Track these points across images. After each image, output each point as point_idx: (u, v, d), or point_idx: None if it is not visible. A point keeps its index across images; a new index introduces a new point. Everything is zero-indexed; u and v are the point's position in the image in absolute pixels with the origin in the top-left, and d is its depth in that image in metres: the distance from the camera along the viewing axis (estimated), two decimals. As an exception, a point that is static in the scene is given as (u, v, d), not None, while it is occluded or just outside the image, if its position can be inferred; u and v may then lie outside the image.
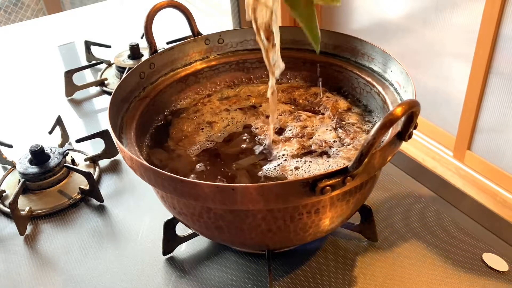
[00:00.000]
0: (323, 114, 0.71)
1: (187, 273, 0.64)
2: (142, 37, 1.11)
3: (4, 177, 0.81)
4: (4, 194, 0.78)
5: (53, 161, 0.78)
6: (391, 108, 0.59)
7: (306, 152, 0.63)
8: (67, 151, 0.81)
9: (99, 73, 1.10)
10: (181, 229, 0.67)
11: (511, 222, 0.68)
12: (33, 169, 0.77)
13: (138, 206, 0.76)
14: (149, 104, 0.69)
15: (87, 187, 0.77)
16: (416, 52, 1.88)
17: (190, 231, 0.67)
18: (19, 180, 0.76)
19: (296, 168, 0.61)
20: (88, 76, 1.12)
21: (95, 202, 0.77)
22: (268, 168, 0.61)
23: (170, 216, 0.64)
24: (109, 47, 1.17)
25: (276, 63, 0.60)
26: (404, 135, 0.51)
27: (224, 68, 0.78)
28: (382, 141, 0.58)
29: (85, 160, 0.84)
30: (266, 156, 0.64)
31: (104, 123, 0.96)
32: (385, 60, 0.67)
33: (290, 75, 0.78)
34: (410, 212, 0.70)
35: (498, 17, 1.50)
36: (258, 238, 0.55)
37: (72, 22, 1.44)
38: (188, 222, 0.58)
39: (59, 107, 1.01)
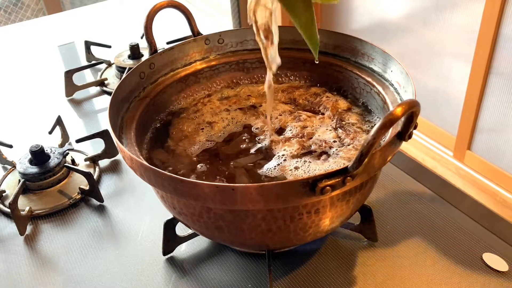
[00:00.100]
0: (323, 114, 0.71)
1: (187, 273, 0.64)
2: (142, 37, 1.11)
3: (4, 177, 0.81)
4: (4, 194, 0.78)
5: (53, 161, 0.78)
6: (391, 108, 0.59)
7: (306, 152, 0.63)
8: (67, 151, 0.81)
9: (99, 73, 1.10)
10: (181, 229, 0.67)
11: (511, 222, 0.68)
12: (33, 169, 0.77)
13: (138, 206, 0.76)
14: (149, 104, 0.69)
15: (87, 187, 0.77)
16: (416, 52, 1.88)
17: (190, 231, 0.67)
18: (19, 180, 0.76)
19: (296, 168, 0.61)
20: (88, 76, 1.12)
21: (95, 202, 0.77)
22: (268, 168, 0.61)
23: (170, 216, 0.64)
24: (109, 47, 1.17)
25: (273, 59, 0.61)
26: (404, 135, 0.51)
27: (224, 68, 0.78)
28: (382, 141, 0.58)
29: (85, 160, 0.84)
30: (265, 156, 0.64)
31: (104, 123, 0.96)
32: (385, 60, 0.67)
33: (290, 75, 0.78)
34: (410, 212, 0.70)
35: (498, 17, 1.50)
36: (258, 238, 0.55)
37: (72, 22, 1.44)
38: (188, 222, 0.58)
39: (59, 107, 1.01)
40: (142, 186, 0.78)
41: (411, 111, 0.47)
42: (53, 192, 0.78)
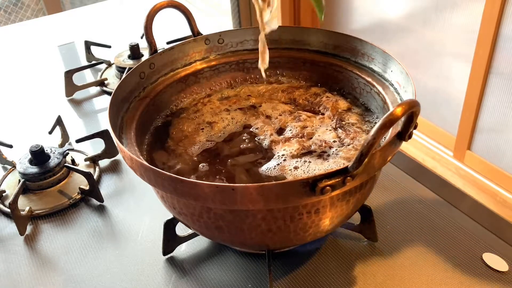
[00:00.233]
0: (323, 114, 0.71)
1: (187, 273, 0.64)
2: (142, 37, 1.11)
3: (4, 177, 0.81)
4: (4, 194, 0.78)
5: (53, 161, 0.78)
6: (391, 108, 0.59)
7: (306, 152, 0.63)
8: (67, 151, 0.81)
9: (99, 73, 1.10)
10: (181, 229, 0.67)
11: (511, 222, 0.68)
12: (33, 169, 0.77)
13: (138, 206, 0.76)
14: (149, 104, 0.69)
15: (87, 187, 0.77)
16: (416, 52, 1.88)
17: (190, 231, 0.67)
18: (19, 180, 0.76)
19: (296, 168, 0.61)
20: (88, 76, 1.12)
21: (95, 202, 0.77)
22: (268, 168, 0.61)
23: (170, 216, 0.64)
24: (109, 47, 1.17)
25: (269, 22, 0.59)
26: (404, 135, 0.51)
27: (224, 68, 0.78)
28: (382, 141, 0.58)
29: (85, 160, 0.84)
30: (265, 156, 0.64)
31: (104, 123, 0.96)
32: (385, 60, 0.67)
33: (290, 75, 0.78)
34: (410, 212, 0.70)
35: (498, 17, 1.50)
36: (258, 238, 0.55)
37: (72, 22, 1.44)
38: (188, 222, 0.58)
39: (59, 107, 1.01)
40: (142, 186, 0.78)
41: (411, 111, 0.47)
42: (53, 192, 0.78)
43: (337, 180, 0.47)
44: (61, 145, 0.86)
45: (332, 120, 0.69)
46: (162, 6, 0.71)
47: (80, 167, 0.81)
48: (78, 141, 0.84)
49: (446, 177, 0.78)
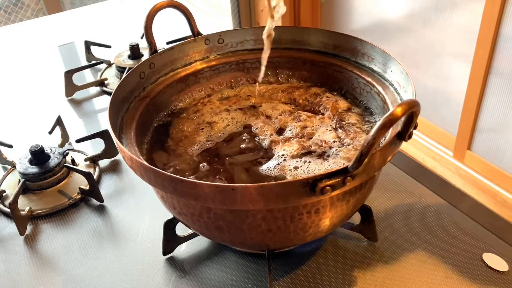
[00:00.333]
0: (323, 114, 0.71)
1: (187, 273, 0.64)
2: (142, 37, 1.10)
3: (4, 177, 0.81)
4: (4, 194, 0.78)
5: (53, 161, 0.78)
6: (391, 108, 0.59)
7: (306, 152, 0.63)
8: (67, 151, 0.81)
9: (99, 73, 1.10)
10: (181, 229, 0.67)
11: (511, 222, 0.68)
12: (33, 169, 0.77)
13: (138, 206, 0.76)
14: (149, 104, 0.69)
15: (87, 187, 0.77)
16: (416, 52, 1.88)
17: (190, 231, 0.67)
18: (19, 180, 0.76)
19: (296, 168, 0.61)
20: (88, 76, 1.12)
21: (95, 202, 0.77)
22: (268, 168, 0.61)
23: (170, 216, 0.64)
24: (109, 47, 1.17)
25: (276, 7, 0.59)
26: (404, 135, 0.51)
27: (224, 68, 0.78)
28: (382, 141, 0.58)
29: (85, 160, 0.84)
30: (265, 156, 0.64)
31: (104, 123, 0.96)
32: (385, 60, 0.67)
33: (290, 75, 0.78)
34: (410, 212, 0.70)
35: (498, 17, 1.50)
36: (258, 238, 0.55)
37: (72, 22, 1.44)
38: (188, 222, 0.58)
39: (59, 107, 1.01)
40: (142, 186, 0.78)
41: (411, 111, 0.47)
42: (53, 192, 0.78)
43: (337, 180, 0.47)
44: (61, 145, 0.86)
45: (332, 120, 0.69)
46: (162, 6, 0.71)
47: (80, 167, 0.81)
48: (78, 141, 0.84)
49: (446, 177, 0.78)
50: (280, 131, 0.68)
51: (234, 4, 2.52)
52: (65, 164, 0.79)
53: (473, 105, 1.68)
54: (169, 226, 0.65)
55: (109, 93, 1.04)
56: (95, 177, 0.80)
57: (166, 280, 0.64)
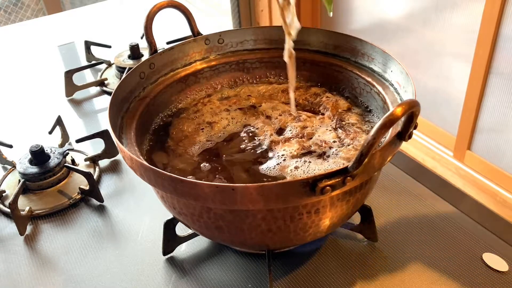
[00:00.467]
0: (323, 114, 0.71)
1: (187, 273, 0.64)
2: (142, 37, 1.10)
3: (4, 177, 0.81)
4: (4, 194, 0.78)
5: (53, 161, 0.78)
6: (391, 108, 0.59)
7: (306, 152, 0.63)
8: (67, 151, 0.81)
9: (99, 73, 1.10)
10: (181, 229, 0.67)
11: (511, 222, 0.68)
12: (33, 169, 0.77)
13: (138, 206, 0.76)
14: (149, 104, 0.69)
15: (87, 187, 0.77)
16: (416, 52, 1.88)
17: (190, 231, 0.67)
18: (19, 180, 0.76)
19: (296, 168, 0.61)
20: (88, 76, 1.12)
21: (95, 202, 0.77)
22: (267, 168, 0.61)
23: (170, 216, 0.64)
24: (109, 47, 1.17)
25: (291, 23, 0.58)
26: (404, 135, 0.51)
27: (224, 68, 0.78)
28: (382, 141, 0.58)
29: (85, 160, 0.84)
30: (265, 156, 0.64)
31: (104, 123, 0.96)
32: (385, 60, 0.67)
33: (290, 75, 0.78)
34: (410, 212, 0.70)
35: (498, 17, 1.50)
36: (258, 238, 0.55)
37: (72, 22, 1.44)
38: (188, 222, 0.58)
39: (59, 107, 1.01)
40: (142, 186, 0.78)
41: (411, 111, 0.47)
42: (53, 192, 0.78)
43: (337, 180, 0.47)
44: (61, 145, 0.86)
45: (332, 120, 0.69)
46: (162, 6, 0.71)
47: (80, 167, 0.81)
48: (78, 141, 0.84)
49: (446, 177, 0.78)
50: (280, 131, 0.68)
51: (234, 4, 2.52)
52: (65, 164, 0.79)
53: (473, 105, 1.68)
54: (169, 226, 0.65)
55: (109, 93, 1.04)
56: (95, 177, 0.80)
57: (166, 280, 0.64)
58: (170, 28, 1.19)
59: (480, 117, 1.69)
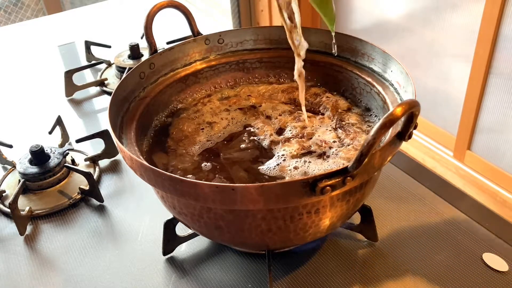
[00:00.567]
0: (323, 114, 0.71)
1: (187, 273, 0.64)
2: (142, 37, 1.11)
3: (4, 177, 0.81)
4: (4, 194, 0.78)
5: (53, 161, 0.78)
6: (391, 108, 0.59)
7: (305, 152, 0.63)
8: (67, 151, 0.81)
9: (99, 73, 1.10)
10: (181, 229, 0.67)
11: (511, 222, 0.68)
12: (33, 169, 0.77)
13: (138, 206, 0.76)
14: (149, 104, 0.69)
15: (87, 187, 0.77)
16: (416, 52, 1.88)
17: (190, 231, 0.67)
18: (19, 180, 0.76)
19: (295, 168, 0.61)
20: (88, 76, 1.12)
21: (95, 202, 0.77)
22: (267, 168, 0.62)
23: (170, 216, 0.64)
24: (109, 47, 1.17)
25: (300, 43, 0.59)
26: (404, 135, 0.51)
27: (224, 68, 0.78)
28: (382, 141, 0.58)
29: (85, 160, 0.84)
30: (265, 156, 0.64)
31: (104, 123, 0.96)
32: (385, 60, 0.67)
33: (290, 75, 0.78)
34: (410, 212, 0.70)
35: (498, 17, 1.50)
36: (258, 238, 0.55)
37: (72, 22, 1.44)
38: (188, 222, 0.58)
39: (59, 107, 1.01)
40: (142, 186, 0.78)
41: (411, 111, 0.47)
42: (53, 192, 0.78)
43: (337, 180, 0.47)
44: (61, 145, 0.86)
45: (332, 120, 0.69)
46: (162, 6, 0.71)
47: (80, 167, 0.81)
48: (78, 141, 0.84)
49: (446, 177, 0.78)
50: (280, 131, 0.68)
51: (234, 4, 2.52)
52: (65, 164, 0.79)
53: (473, 105, 1.68)
54: (169, 226, 0.65)
55: (109, 93, 1.04)
56: (95, 177, 0.80)
57: (166, 280, 0.64)
58: (170, 28, 1.19)
59: (480, 117, 1.69)
